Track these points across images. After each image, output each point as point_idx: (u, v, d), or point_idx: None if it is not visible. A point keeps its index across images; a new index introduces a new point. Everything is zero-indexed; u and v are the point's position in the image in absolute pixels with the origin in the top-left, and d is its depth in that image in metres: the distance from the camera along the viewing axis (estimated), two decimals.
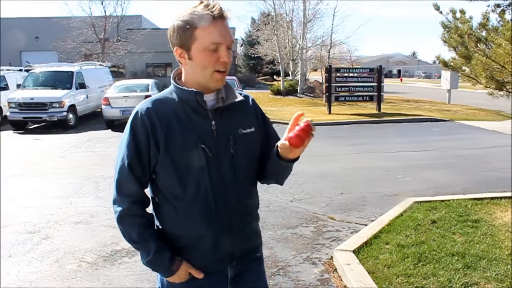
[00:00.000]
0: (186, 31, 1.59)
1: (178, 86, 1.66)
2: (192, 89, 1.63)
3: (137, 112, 1.65)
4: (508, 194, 5.86)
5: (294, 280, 3.88)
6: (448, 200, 5.62)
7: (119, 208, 1.66)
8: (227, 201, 1.67)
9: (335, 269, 4.06)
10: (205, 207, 1.64)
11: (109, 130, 13.64)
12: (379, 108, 17.08)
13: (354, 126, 14.11)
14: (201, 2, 1.60)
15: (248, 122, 1.74)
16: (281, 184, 1.87)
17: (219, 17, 1.59)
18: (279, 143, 1.61)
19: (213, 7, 1.58)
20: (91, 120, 15.96)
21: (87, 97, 15.84)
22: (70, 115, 14.44)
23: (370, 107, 18.16)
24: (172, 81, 1.71)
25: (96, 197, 6.48)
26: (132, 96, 13.93)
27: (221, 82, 1.65)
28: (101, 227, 5.25)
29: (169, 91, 1.70)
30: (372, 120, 15.17)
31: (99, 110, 15.62)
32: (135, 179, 1.64)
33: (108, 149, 10.52)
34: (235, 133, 1.69)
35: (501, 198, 5.69)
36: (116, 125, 14.02)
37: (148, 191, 1.75)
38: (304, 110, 18.04)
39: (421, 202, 5.62)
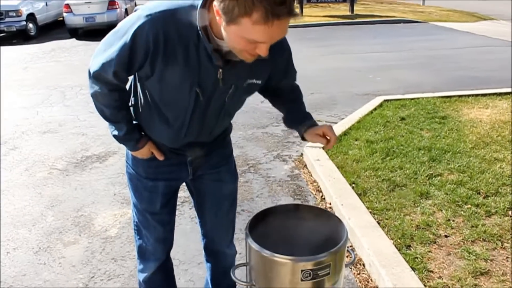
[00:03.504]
0: (230, 9, 1.19)
1: (203, 33, 1.36)
2: (213, 52, 1.38)
3: (146, 24, 1.35)
4: (475, 92, 5.95)
5: (265, 177, 3.94)
6: (418, 98, 5.67)
7: (95, 88, 1.55)
8: (199, 133, 1.65)
9: (305, 165, 4.12)
10: (175, 134, 1.63)
11: (74, 39, 12.90)
12: (352, 10, 16.59)
13: (326, 28, 13.76)
14: None
15: (259, 73, 1.54)
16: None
17: (283, 16, 1.20)
18: (311, 134, 1.69)
19: (282, 3, 1.17)
20: (53, 29, 14.98)
21: (46, 5, 14.67)
22: (30, 25, 13.45)
23: (343, 9, 17.62)
24: (199, 16, 1.34)
25: (63, 106, 6.28)
26: (95, 2, 13.04)
27: (250, 60, 1.36)
28: (70, 135, 5.13)
29: (194, 17, 1.35)
30: (345, 21, 14.78)
31: (61, 18, 14.61)
32: (117, 80, 1.50)
33: (74, 58, 10.02)
34: (240, 84, 1.51)
35: (468, 95, 5.76)
36: (80, 33, 13.32)
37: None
38: None
39: (391, 100, 5.64)
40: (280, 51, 1.57)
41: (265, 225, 1.66)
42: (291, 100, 1.80)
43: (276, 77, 1.66)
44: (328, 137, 1.65)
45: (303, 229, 1.72)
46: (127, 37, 1.37)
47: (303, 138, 1.73)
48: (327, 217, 1.67)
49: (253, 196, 3.61)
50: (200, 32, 1.36)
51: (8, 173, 4.21)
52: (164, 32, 1.35)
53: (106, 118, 1.65)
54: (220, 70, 1.43)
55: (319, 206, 3.35)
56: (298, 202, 3.50)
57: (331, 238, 1.60)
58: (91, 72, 1.51)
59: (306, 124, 1.70)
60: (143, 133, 1.69)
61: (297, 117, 1.75)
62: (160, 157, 1.70)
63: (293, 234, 1.73)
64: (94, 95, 1.58)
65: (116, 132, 1.66)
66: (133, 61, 1.41)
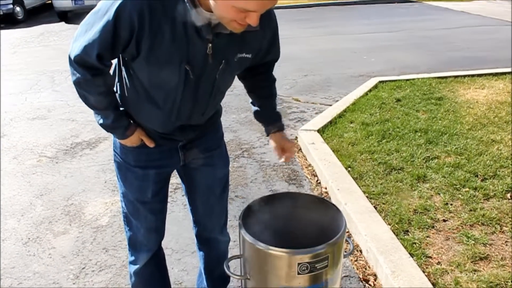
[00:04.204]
0: None
1: (191, 5, 1.28)
2: (201, 24, 1.30)
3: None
4: (471, 72, 5.87)
5: (259, 162, 3.86)
6: (413, 79, 5.59)
7: (78, 75, 1.44)
8: (191, 115, 1.57)
9: (300, 149, 4.05)
10: (166, 118, 1.55)
11: (63, 23, 12.65)
12: None
13: (319, 9, 13.59)
14: None
15: (249, 47, 1.46)
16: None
17: None
18: (275, 142, 1.80)
19: None
20: (42, 13, 14.70)
21: None
22: (17, 8, 13.14)
23: None
24: None
25: (52, 92, 6.14)
26: None
27: (239, 30, 1.29)
28: (59, 121, 5.02)
29: None
30: (339, 2, 14.59)
31: (50, 2, 14.26)
32: (101, 63, 1.40)
33: (63, 43, 9.80)
34: (230, 58, 1.43)
35: (464, 76, 5.69)
36: (69, 17, 13.01)
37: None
38: None
39: (386, 81, 5.56)
40: (269, 22, 1.50)
41: (260, 215, 1.59)
42: (267, 95, 1.80)
43: (263, 51, 1.58)
44: (285, 155, 1.77)
45: (300, 218, 1.66)
46: (109, 15, 1.28)
47: (268, 135, 1.83)
48: (325, 206, 1.61)
49: (247, 181, 3.54)
50: (187, 4, 1.27)
51: None
52: (149, 7, 1.26)
53: (91, 106, 1.55)
54: (210, 44, 1.36)
55: (316, 194, 3.30)
56: (293, 187, 3.43)
57: (328, 227, 1.53)
58: (72, 57, 1.41)
59: (276, 126, 1.79)
60: (131, 121, 1.61)
61: (270, 116, 1.81)
62: (151, 144, 1.63)
63: (289, 223, 1.67)
64: (77, 83, 1.47)
65: (102, 121, 1.57)
66: (117, 41, 1.32)
